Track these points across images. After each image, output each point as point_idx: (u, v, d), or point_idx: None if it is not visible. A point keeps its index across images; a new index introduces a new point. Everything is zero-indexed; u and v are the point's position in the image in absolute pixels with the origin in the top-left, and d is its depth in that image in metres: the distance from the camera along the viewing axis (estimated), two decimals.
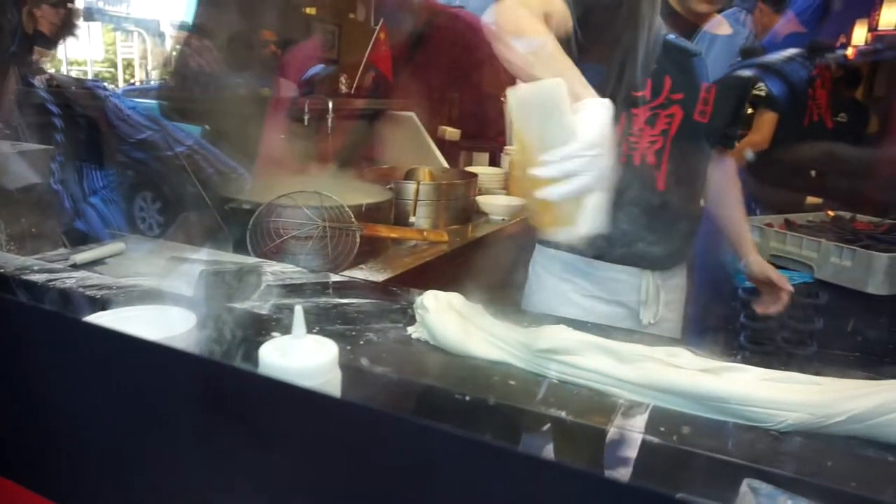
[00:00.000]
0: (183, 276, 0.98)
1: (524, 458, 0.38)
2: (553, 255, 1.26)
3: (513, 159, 2.48)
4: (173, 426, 0.45)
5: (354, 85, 2.87)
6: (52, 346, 0.49)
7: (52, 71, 2.02)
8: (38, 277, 1.01)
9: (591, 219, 0.70)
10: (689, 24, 1.15)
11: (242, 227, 1.38)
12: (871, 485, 0.58)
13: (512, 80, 0.78)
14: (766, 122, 2.39)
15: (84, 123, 1.95)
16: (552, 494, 0.36)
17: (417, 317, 0.89)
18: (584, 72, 0.77)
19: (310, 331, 0.63)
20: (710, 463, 0.61)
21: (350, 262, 1.40)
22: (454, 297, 0.90)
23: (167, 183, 2.02)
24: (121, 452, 0.48)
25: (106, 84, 2.46)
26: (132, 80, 8.09)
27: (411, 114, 2.09)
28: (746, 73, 1.24)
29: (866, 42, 3.41)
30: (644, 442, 0.64)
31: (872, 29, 3.43)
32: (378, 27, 2.70)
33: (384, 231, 1.57)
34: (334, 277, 1.14)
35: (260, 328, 0.87)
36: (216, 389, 0.43)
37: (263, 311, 0.94)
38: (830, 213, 2.29)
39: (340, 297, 1.02)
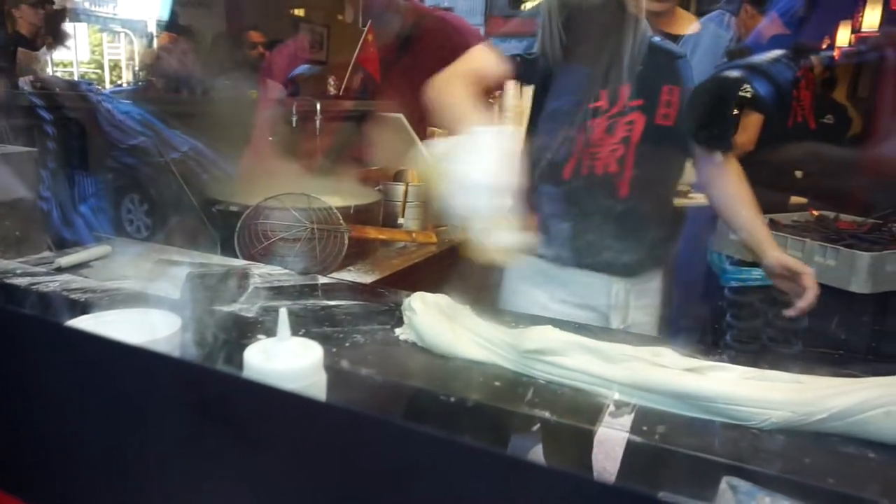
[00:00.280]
0: (170, 279, 0.97)
1: (508, 460, 0.38)
2: (525, 260, 1.27)
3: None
4: (155, 430, 0.45)
5: (343, 86, 2.86)
6: (31, 350, 0.48)
7: (54, 73, 2.00)
8: (20, 281, 1.00)
9: (507, 233, 0.84)
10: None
11: (230, 230, 1.37)
12: (851, 481, 0.59)
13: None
14: (751, 124, 2.41)
15: (74, 126, 1.93)
16: (536, 496, 0.36)
17: (405, 318, 0.90)
18: (571, 75, 0.79)
19: (297, 333, 0.63)
20: (693, 461, 0.62)
21: (338, 264, 1.40)
22: (442, 299, 0.90)
23: (154, 185, 2.01)
24: (103, 458, 0.48)
25: (95, 86, 2.43)
26: (119, 82, 8.03)
27: (400, 115, 2.08)
28: (734, 73, 1.24)
29: (850, 44, 3.45)
30: (629, 441, 0.64)
31: (856, 31, 3.48)
32: (366, 28, 2.69)
33: (373, 233, 1.57)
34: (322, 279, 1.14)
35: (246, 331, 0.87)
36: (199, 393, 0.43)
37: (250, 314, 0.94)
38: (814, 212, 2.32)
39: (328, 300, 1.01)
